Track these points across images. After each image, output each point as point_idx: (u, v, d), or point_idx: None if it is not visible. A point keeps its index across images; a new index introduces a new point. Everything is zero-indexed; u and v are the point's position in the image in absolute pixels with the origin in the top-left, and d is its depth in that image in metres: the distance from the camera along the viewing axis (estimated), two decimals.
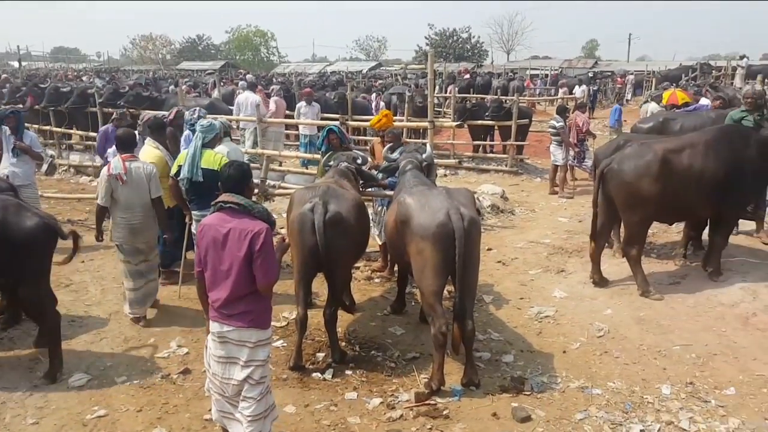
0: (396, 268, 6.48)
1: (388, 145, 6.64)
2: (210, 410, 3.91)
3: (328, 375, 4.87)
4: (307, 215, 4.84)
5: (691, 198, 6.07)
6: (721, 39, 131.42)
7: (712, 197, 6.03)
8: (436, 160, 7.23)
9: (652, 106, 11.51)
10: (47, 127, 13.63)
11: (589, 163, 11.00)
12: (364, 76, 39.86)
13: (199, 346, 5.34)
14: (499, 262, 7.53)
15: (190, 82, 23.72)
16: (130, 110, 12.43)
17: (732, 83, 24.09)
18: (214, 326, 3.54)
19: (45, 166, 8.19)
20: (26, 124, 8.22)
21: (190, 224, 6.19)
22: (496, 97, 15.34)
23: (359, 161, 6.21)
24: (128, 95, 12.91)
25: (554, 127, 11.03)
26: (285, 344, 5.40)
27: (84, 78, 29.97)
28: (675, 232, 7.73)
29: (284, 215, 6.64)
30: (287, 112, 14.65)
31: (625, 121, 14.56)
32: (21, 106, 12.86)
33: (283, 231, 5.87)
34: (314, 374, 4.89)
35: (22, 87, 15.11)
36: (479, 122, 13.70)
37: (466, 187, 6.65)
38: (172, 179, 6.12)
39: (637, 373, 4.86)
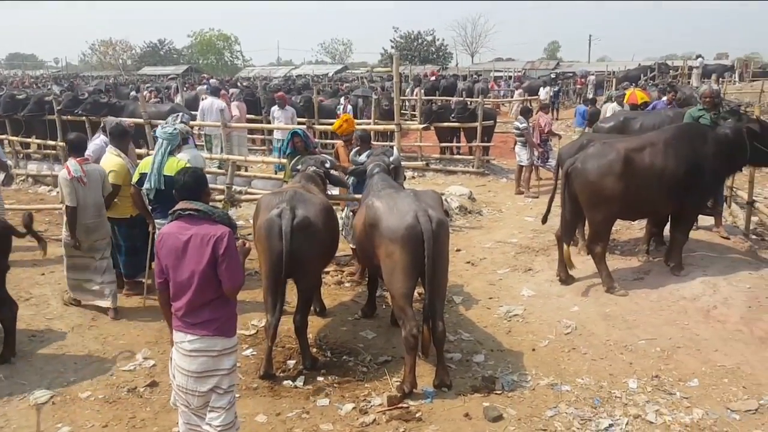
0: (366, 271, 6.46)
1: (356, 148, 6.64)
2: (178, 423, 3.82)
3: (299, 382, 4.83)
4: (274, 221, 4.79)
5: (653, 195, 6.21)
6: (677, 39, 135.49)
7: (673, 194, 6.18)
8: (403, 163, 7.25)
9: (612, 106, 11.78)
10: (3, 136, 13.20)
11: (553, 162, 11.20)
12: (330, 79, 39.78)
13: (165, 357, 5.20)
14: (468, 262, 7.59)
15: (152, 88, 23.27)
16: (89, 118, 12.20)
17: (689, 82, 24.85)
18: (177, 336, 3.47)
19: (1, 176, 7.95)
20: None
21: (154, 233, 6.07)
22: (461, 99, 15.47)
23: (327, 165, 6.17)
24: (85, 103, 12.56)
25: (518, 128, 11.19)
26: (254, 353, 5.33)
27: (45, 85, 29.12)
28: (637, 229, 7.90)
29: (251, 221, 6.57)
30: (252, 116, 14.54)
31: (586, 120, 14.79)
32: None
33: (250, 237, 5.79)
34: (285, 382, 4.84)
35: None
36: (445, 124, 13.80)
37: (433, 189, 6.67)
38: (133, 187, 6.01)
39: (605, 369, 4.95)
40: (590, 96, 28.09)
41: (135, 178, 6.02)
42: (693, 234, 7.00)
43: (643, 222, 7.42)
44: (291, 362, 5.14)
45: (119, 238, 6.50)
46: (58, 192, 10.92)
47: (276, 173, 11.16)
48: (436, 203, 4.95)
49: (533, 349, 5.31)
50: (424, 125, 13.37)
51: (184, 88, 19.25)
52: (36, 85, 28.99)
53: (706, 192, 6.59)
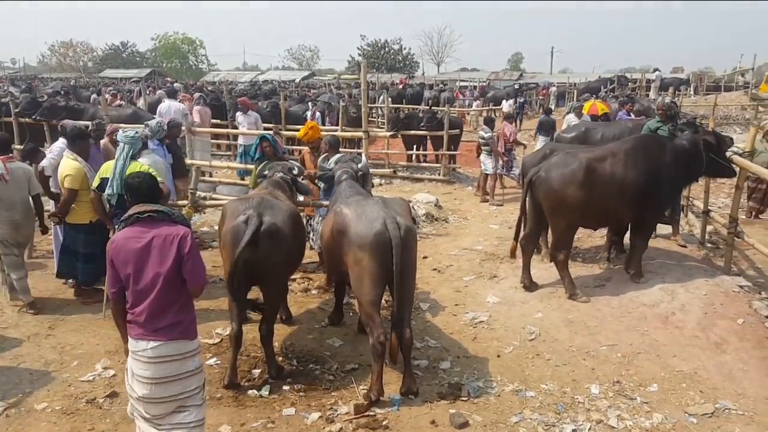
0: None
1: (324, 154, 6.61)
2: None
3: (264, 392, 4.76)
4: (240, 227, 4.72)
5: (614, 204, 6.36)
6: (636, 51, 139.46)
7: (633, 203, 6.34)
8: (371, 170, 7.25)
9: (570, 118, 12.05)
10: None
11: (516, 171, 11.38)
12: (297, 85, 39.64)
13: (126, 367, 5.08)
14: (434, 269, 7.63)
15: (114, 91, 22.76)
16: (45, 122, 11.85)
17: (647, 94, 25.63)
18: (138, 345, 3.38)
19: None
20: None
21: None
22: (430, 107, 15.61)
23: (295, 172, 6.13)
24: (43, 107, 12.18)
25: (483, 138, 11.35)
26: (219, 362, 5.24)
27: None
28: (599, 237, 8.08)
29: (216, 228, 6.47)
30: (217, 121, 14.34)
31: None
32: None
33: (215, 243, 5.70)
34: (250, 392, 4.77)
35: None
36: (412, 132, 13.90)
37: (401, 196, 6.70)
38: (93, 192, 5.88)
39: (568, 374, 5.03)
40: (552, 106, 28.92)
41: (95, 183, 5.89)
42: (652, 242, 7.18)
43: (605, 230, 7.60)
44: (256, 371, 5.07)
45: (78, 245, 6.33)
46: None
47: (242, 179, 11.05)
48: (404, 210, 4.97)
49: (498, 356, 5.37)
50: (392, 133, 13.45)
51: (147, 92, 18.87)
52: None
53: (665, 201, 6.77)
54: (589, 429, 4.29)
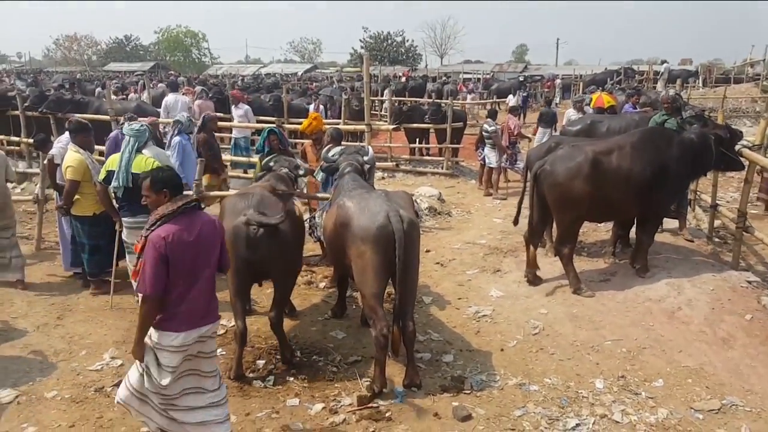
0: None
1: (328, 145, 6.58)
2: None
3: (269, 382, 4.79)
4: (241, 228, 4.70)
5: (620, 198, 6.31)
6: (643, 43, 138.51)
7: (639, 197, 6.29)
8: None
9: (569, 113, 11.97)
10: None
11: (521, 165, 11.33)
12: (300, 78, 39.51)
13: (133, 357, 5.11)
14: (437, 263, 7.61)
15: (119, 84, 22.76)
16: (51, 114, 11.89)
17: (654, 87, 25.36)
18: (188, 336, 3.46)
19: None
20: None
21: (121, 231, 5.96)
22: (435, 100, 15.51)
23: (301, 172, 6.07)
24: (49, 100, 12.23)
25: (487, 131, 11.27)
26: (224, 353, 5.25)
27: (5, 80, 28.20)
28: (604, 231, 8.05)
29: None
30: (221, 114, 14.29)
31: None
32: None
33: None
34: (255, 382, 4.79)
35: None
36: (415, 125, 13.84)
37: (404, 189, 6.66)
38: (99, 185, 5.91)
39: (572, 369, 5.01)
40: (557, 99, 28.74)
41: (102, 176, 5.92)
42: (658, 237, 7.14)
43: (610, 224, 7.56)
44: (260, 362, 5.09)
45: (82, 237, 6.39)
46: (23, 188, 10.74)
47: (245, 172, 11.03)
48: (407, 204, 4.95)
49: (502, 350, 5.35)
50: (394, 126, 13.37)
51: (151, 85, 18.86)
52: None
53: (672, 195, 6.73)
54: (593, 423, 4.27)
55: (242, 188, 5.99)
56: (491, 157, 11.35)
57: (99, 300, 6.31)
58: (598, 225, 8.04)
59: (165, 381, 3.45)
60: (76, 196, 6.25)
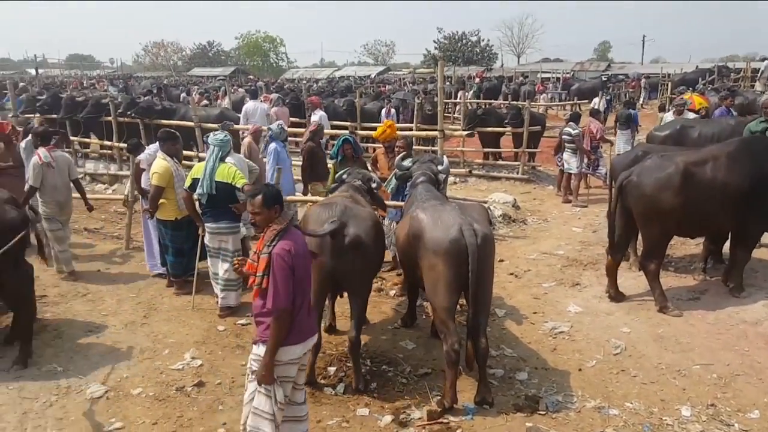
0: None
1: (402, 153, 6.55)
2: (223, 424, 4.19)
3: (339, 390, 4.81)
4: (326, 239, 4.67)
5: (714, 212, 5.92)
6: (738, 39, 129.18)
7: (736, 211, 5.88)
8: None
9: (667, 116, 11.32)
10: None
11: (603, 170, 10.88)
12: (372, 81, 39.70)
13: (212, 358, 5.34)
14: (511, 274, 7.42)
15: (202, 90, 23.78)
16: (140, 119, 12.60)
17: (752, 87, 23.45)
18: (304, 347, 3.61)
19: None
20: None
21: (203, 236, 6.20)
22: (514, 103, 15.09)
23: (374, 185, 5.99)
24: (138, 107, 12.94)
25: (570, 135, 10.87)
26: None
27: (100, 85, 30.14)
28: (694, 244, 7.58)
29: None
30: (296, 119, 14.56)
31: (640, 126, 14.32)
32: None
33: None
34: (326, 389, 4.83)
35: (39, 96, 15.15)
36: (489, 129, 13.55)
37: (476, 195, 6.54)
38: (185, 192, 6.17)
39: (656, 393, 4.73)
40: (642, 100, 27.36)
41: (187, 183, 6.18)
42: (755, 253, 6.65)
43: (700, 238, 7.10)
44: (331, 369, 5.13)
45: (166, 239, 6.73)
46: (114, 190, 11.47)
47: None
48: (482, 217, 4.85)
49: (579, 369, 5.14)
50: (467, 131, 13.05)
51: (231, 91, 19.53)
52: (94, 86, 29.97)
53: None
54: None
55: (325, 198, 6.00)
56: (571, 162, 10.94)
57: (182, 300, 6.60)
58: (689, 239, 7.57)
59: (288, 391, 3.58)
60: (161, 200, 6.55)
